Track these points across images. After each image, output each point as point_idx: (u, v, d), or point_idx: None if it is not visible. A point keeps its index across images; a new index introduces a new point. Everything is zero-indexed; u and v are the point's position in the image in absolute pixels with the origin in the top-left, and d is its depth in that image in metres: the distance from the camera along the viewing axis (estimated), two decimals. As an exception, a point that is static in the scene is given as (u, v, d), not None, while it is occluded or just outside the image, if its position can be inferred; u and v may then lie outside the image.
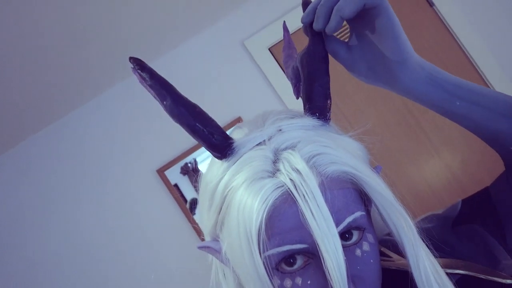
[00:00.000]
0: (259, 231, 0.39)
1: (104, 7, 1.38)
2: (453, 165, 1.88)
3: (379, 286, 0.43)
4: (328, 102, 0.46)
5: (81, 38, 1.46)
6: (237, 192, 0.41)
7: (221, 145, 0.44)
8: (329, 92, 0.46)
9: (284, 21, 0.58)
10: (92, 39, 1.50)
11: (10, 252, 1.86)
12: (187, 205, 1.87)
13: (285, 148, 0.42)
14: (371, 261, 0.42)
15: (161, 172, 1.87)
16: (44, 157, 1.91)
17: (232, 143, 0.44)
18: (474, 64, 1.90)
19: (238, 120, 1.88)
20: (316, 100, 0.46)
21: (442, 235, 0.54)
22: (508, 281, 0.46)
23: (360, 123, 1.91)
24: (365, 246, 0.42)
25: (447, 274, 0.46)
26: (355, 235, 0.42)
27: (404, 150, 1.90)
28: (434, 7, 1.93)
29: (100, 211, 1.89)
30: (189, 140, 1.80)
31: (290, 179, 0.39)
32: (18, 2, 1.14)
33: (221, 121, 1.89)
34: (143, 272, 1.87)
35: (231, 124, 1.87)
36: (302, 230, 0.39)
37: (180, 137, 1.62)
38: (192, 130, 0.43)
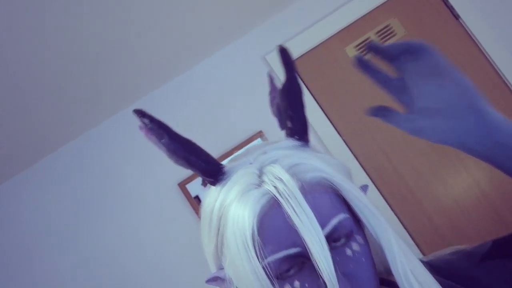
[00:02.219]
0: (253, 237, 0.43)
1: (138, 20, 1.41)
2: (482, 181, 1.82)
3: (374, 282, 0.45)
4: (306, 125, 0.52)
5: (107, 54, 1.49)
6: (230, 208, 0.46)
7: (214, 171, 0.49)
8: (306, 117, 0.52)
9: (269, 71, 0.68)
10: (117, 53, 1.54)
11: (35, 264, 1.89)
12: None
13: (268, 164, 0.47)
14: (363, 259, 0.45)
15: (182, 185, 1.88)
16: (68, 172, 1.94)
17: (222, 167, 0.50)
18: (503, 77, 1.85)
19: (260, 133, 1.87)
20: (295, 124, 0.51)
21: (468, 268, 0.55)
22: None
23: (385, 136, 1.87)
24: (355, 246, 0.45)
25: None
26: (344, 237, 0.45)
27: (429, 165, 1.85)
28: (459, 19, 1.89)
29: (122, 224, 1.90)
30: (211, 153, 1.80)
31: (274, 186, 0.44)
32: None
33: (243, 135, 1.88)
34: (164, 285, 1.86)
35: (253, 138, 1.87)
36: (292, 234, 0.43)
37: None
38: (187, 161, 0.49)
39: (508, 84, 1.84)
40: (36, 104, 1.54)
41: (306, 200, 0.43)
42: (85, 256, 1.89)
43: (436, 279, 0.52)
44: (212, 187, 0.51)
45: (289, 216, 0.42)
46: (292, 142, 0.51)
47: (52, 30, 1.24)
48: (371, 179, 1.83)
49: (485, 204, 1.79)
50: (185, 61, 1.90)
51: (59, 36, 1.28)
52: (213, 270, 0.53)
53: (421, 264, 0.48)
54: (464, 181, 1.83)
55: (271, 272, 0.43)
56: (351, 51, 1.94)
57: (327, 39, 1.94)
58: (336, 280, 0.41)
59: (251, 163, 0.49)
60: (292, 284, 0.44)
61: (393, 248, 0.46)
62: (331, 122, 1.89)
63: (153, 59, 1.72)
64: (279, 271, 0.44)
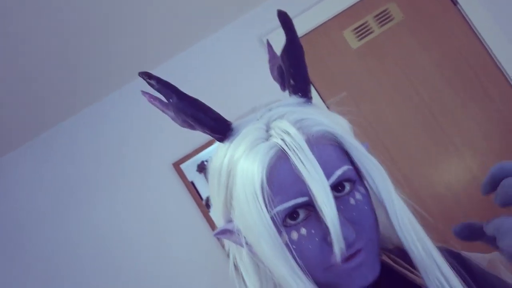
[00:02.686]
0: (262, 188, 0.45)
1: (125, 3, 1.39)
2: (473, 166, 1.84)
3: (376, 230, 0.48)
4: (308, 82, 0.53)
5: (103, 32, 1.48)
6: (239, 162, 0.48)
7: (222, 128, 0.51)
8: (308, 76, 0.53)
9: (268, 39, 0.68)
10: (113, 32, 1.52)
11: (24, 248, 1.89)
12: (204, 201, 1.87)
13: (275, 119, 0.49)
14: (365, 208, 0.48)
15: (177, 165, 1.88)
16: (61, 150, 1.94)
17: (230, 124, 0.52)
18: (498, 63, 1.85)
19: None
20: (297, 82, 0.53)
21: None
22: None
23: (381, 123, 1.88)
24: (358, 196, 0.48)
25: None
26: (347, 187, 0.48)
27: (423, 151, 1.87)
28: (458, 5, 1.89)
29: (115, 204, 1.90)
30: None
31: (282, 139, 0.46)
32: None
33: (240, 114, 1.88)
34: (156, 266, 1.88)
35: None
36: (299, 183, 0.45)
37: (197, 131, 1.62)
38: (196, 119, 0.50)
39: (503, 70, 1.85)
40: (33, 81, 1.53)
41: (312, 152, 0.45)
42: (75, 234, 1.89)
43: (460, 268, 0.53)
44: (220, 144, 0.53)
45: (296, 167, 0.45)
46: (296, 99, 0.52)
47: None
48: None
49: (476, 189, 1.82)
50: (182, 43, 1.89)
51: (64, 5, 1.26)
52: (221, 224, 0.55)
53: (414, 218, 0.51)
54: (456, 166, 1.85)
55: (279, 221, 0.46)
56: (349, 35, 1.93)
57: (324, 22, 1.93)
58: (339, 225, 0.43)
59: (257, 120, 0.51)
60: (298, 231, 0.46)
61: (392, 197, 0.49)
62: (326, 106, 1.89)
63: (154, 37, 1.71)
64: (286, 219, 0.46)
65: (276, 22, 0.57)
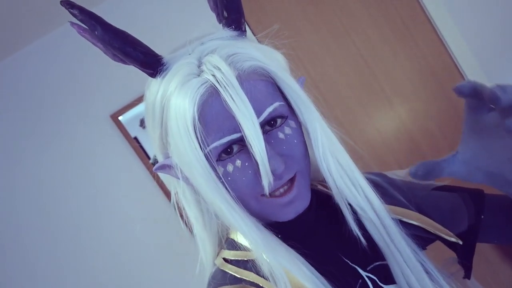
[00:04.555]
0: (194, 124, 0.46)
1: None
2: (402, 113, 1.96)
3: (305, 162, 0.51)
4: (241, 14, 0.52)
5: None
6: (171, 98, 0.48)
7: (152, 62, 0.50)
8: (241, 8, 0.52)
9: None
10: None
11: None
12: (151, 160, 1.82)
13: (207, 54, 0.49)
14: (295, 141, 0.50)
15: (115, 117, 1.82)
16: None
17: (161, 58, 0.50)
18: (426, 13, 1.93)
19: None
20: (230, 13, 0.51)
21: (418, 192, 0.63)
22: (452, 239, 0.57)
23: (317, 69, 1.93)
24: (287, 130, 0.50)
25: (404, 222, 0.56)
26: (278, 121, 0.50)
27: (357, 99, 1.95)
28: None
29: (50, 158, 1.83)
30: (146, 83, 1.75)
31: (213, 75, 0.46)
32: None
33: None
34: (96, 225, 1.85)
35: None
36: (232, 120, 0.46)
37: (136, 80, 1.56)
38: (124, 52, 0.48)
39: (430, 19, 1.93)
40: None
41: (242, 88, 0.46)
42: (6, 191, 1.82)
43: (383, 186, 0.61)
44: (153, 79, 0.52)
45: (226, 103, 0.46)
46: (229, 32, 0.52)
47: None
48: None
49: (404, 135, 1.95)
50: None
51: None
52: (160, 160, 0.56)
53: (343, 150, 0.54)
54: (387, 114, 1.96)
55: (212, 157, 0.48)
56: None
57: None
58: (267, 160, 0.46)
59: (189, 54, 0.50)
60: (234, 163, 0.48)
61: (317, 130, 0.51)
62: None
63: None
64: (221, 154, 0.48)
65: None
